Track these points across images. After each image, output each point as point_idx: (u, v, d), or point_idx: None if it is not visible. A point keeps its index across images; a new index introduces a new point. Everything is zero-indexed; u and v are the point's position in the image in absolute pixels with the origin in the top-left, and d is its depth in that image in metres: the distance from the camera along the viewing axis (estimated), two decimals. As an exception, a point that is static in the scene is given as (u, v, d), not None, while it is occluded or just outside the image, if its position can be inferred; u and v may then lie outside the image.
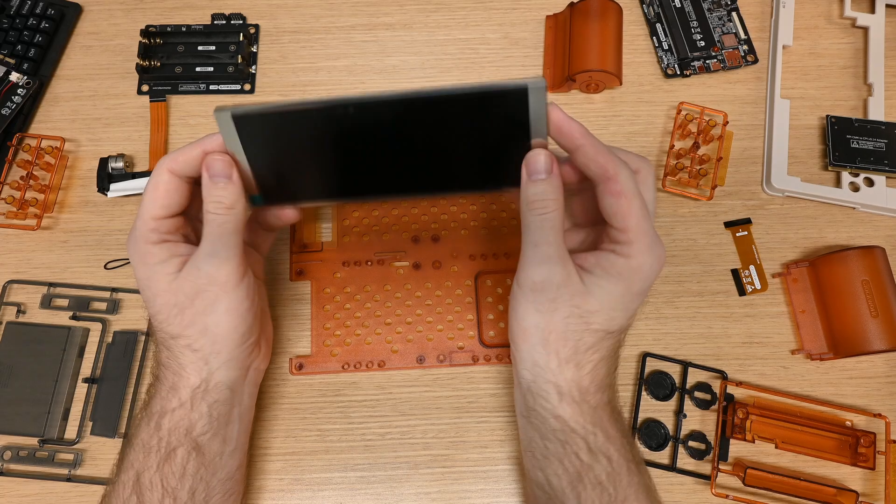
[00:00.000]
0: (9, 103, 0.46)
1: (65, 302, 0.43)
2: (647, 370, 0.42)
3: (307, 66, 0.49)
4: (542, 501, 0.34)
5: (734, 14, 0.49)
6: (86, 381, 0.41)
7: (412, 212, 0.45)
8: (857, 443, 0.39)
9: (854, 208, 0.45)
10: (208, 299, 0.32)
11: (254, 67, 0.49)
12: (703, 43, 0.48)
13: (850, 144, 0.46)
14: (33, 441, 0.40)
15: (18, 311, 0.43)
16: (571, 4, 0.48)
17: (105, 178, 0.45)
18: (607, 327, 0.32)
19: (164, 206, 0.32)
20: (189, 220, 0.34)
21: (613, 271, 0.31)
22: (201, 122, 0.48)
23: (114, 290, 0.43)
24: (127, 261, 0.44)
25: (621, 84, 0.48)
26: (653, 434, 0.40)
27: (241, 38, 0.48)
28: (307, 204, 0.37)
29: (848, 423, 0.41)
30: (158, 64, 0.48)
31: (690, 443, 0.40)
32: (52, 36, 0.49)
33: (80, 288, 0.43)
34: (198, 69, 0.48)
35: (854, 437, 0.40)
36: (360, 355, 0.42)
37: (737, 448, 0.40)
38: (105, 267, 0.44)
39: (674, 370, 0.42)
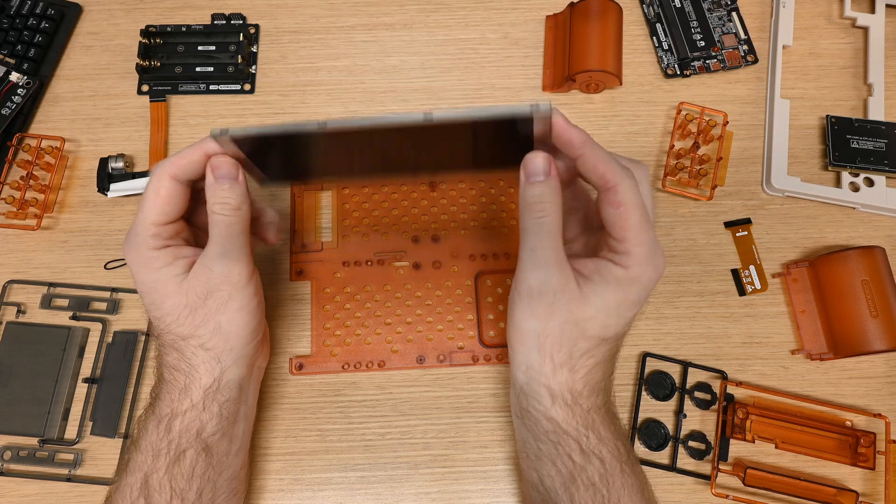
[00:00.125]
0: (9, 103, 0.46)
1: (65, 302, 0.43)
2: (647, 370, 0.42)
3: (307, 66, 0.49)
4: (537, 502, 0.34)
5: (734, 14, 0.49)
6: (86, 381, 0.41)
7: (412, 212, 0.45)
8: (857, 443, 0.39)
9: (854, 208, 0.45)
10: (221, 298, 0.32)
11: (254, 67, 0.49)
12: (703, 43, 0.48)
13: (850, 144, 0.46)
14: (33, 441, 0.40)
15: (18, 311, 0.43)
16: (571, 4, 0.48)
17: (105, 178, 0.45)
18: (602, 334, 0.31)
19: (166, 212, 0.32)
20: (187, 223, 0.34)
21: (611, 280, 0.31)
22: (201, 122, 0.48)
23: (114, 290, 0.43)
24: (127, 261, 0.44)
25: (621, 84, 0.48)
26: (653, 434, 0.40)
27: (241, 38, 0.48)
28: (311, 182, 0.37)
29: (848, 423, 0.41)
30: (158, 64, 0.48)
31: (690, 443, 0.40)
32: (52, 36, 0.49)
33: (80, 288, 0.43)
34: (198, 69, 0.48)
35: (854, 437, 0.40)
36: (360, 355, 0.42)
37: (737, 448, 0.40)
38: (105, 267, 0.44)
39: (674, 370, 0.42)
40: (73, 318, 0.42)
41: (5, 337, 0.42)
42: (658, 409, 0.41)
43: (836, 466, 0.40)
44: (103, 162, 0.45)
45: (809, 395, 0.41)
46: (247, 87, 0.48)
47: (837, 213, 0.45)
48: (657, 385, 0.41)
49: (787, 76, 0.48)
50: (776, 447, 0.40)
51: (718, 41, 0.49)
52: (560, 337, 0.31)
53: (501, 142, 0.31)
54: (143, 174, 0.45)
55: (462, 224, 0.45)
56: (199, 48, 0.49)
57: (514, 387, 0.34)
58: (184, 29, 0.49)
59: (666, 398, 0.41)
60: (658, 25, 0.50)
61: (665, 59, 0.49)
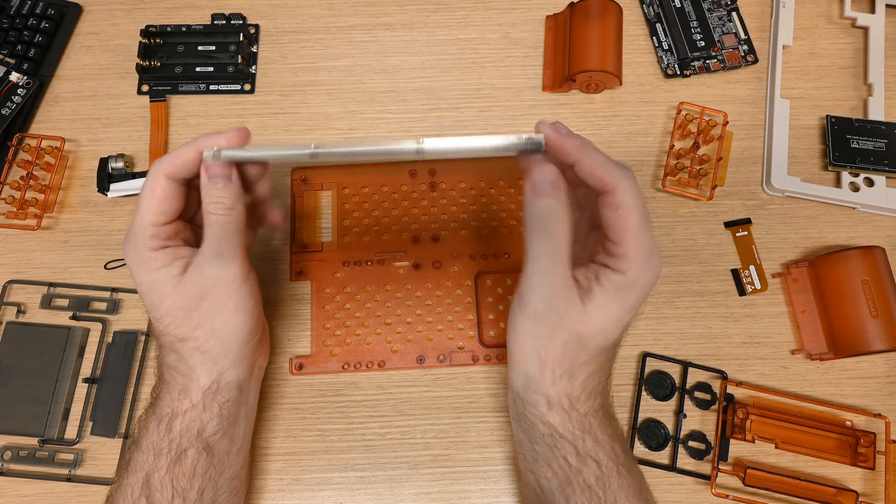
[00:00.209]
0: (9, 103, 0.46)
1: (65, 302, 0.43)
2: (647, 370, 0.42)
3: (307, 66, 0.49)
4: (535, 503, 0.34)
5: (734, 14, 0.49)
6: (86, 381, 0.41)
7: (412, 212, 0.45)
8: (857, 443, 0.39)
9: (854, 208, 0.45)
10: (215, 300, 0.32)
11: (254, 67, 0.49)
12: (703, 43, 0.48)
13: (850, 144, 0.46)
14: (33, 441, 0.40)
15: (18, 311, 0.43)
16: (571, 4, 0.48)
17: (105, 178, 0.45)
18: (603, 344, 0.31)
19: (163, 212, 0.32)
20: (186, 223, 0.34)
21: (611, 288, 0.30)
22: (201, 122, 0.48)
23: (114, 290, 0.43)
24: (127, 261, 0.44)
25: (621, 84, 0.48)
26: (653, 434, 0.40)
27: (241, 38, 0.48)
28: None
29: (848, 423, 0.41)
30: (158, 64, 0.48)
31: (690, 443, 0.40)
32: (52, 36, 0.49)
33: (80, 288, 0.43)
34: (198, 69, 0.48)
35: (854, 437, 0.40)
36: (360, 355, 0.42)
37: (737, 448, 0.40)
38: (105, 267, 0.44)
39: (674, 370, 0.42)
40: (73, 318, 0.42)
41: (5, 337, 0.42)
42: (658, 409, 0.41)
43: (836, 466, 0.40)
44: (103, 162, 0.45)
45: (809, 395, 0.41)
46: (247, 87, 0.48)
47: (837, 213, 0.45)
48: (657, 385, 0.41)
49: (787, 76, 0.48)
50: (776, 447, 0.40)
51: (718, 41, 0.49)
52: (563, 354, 0.31)
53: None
54: (143, 174, 0.45)
55: (462, 224, 0.45)
56: (199, 48, 0.49)
57: (511, 389, 0.34)
58: (184, 29, 0.49)
59: (666, 398, 0.41)
60: (658, 25, 0.50)
61: (665, 59, 0.49)
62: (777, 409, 0.40)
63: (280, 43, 0.50)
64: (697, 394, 0.41)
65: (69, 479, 0.40)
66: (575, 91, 0.48)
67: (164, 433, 0.32)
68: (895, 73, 0.49)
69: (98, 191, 0.45)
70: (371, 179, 0.45)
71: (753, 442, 0.39)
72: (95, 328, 0.43)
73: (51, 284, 0.43)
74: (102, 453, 0.40)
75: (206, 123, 0.48)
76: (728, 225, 0.45)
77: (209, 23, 0.50)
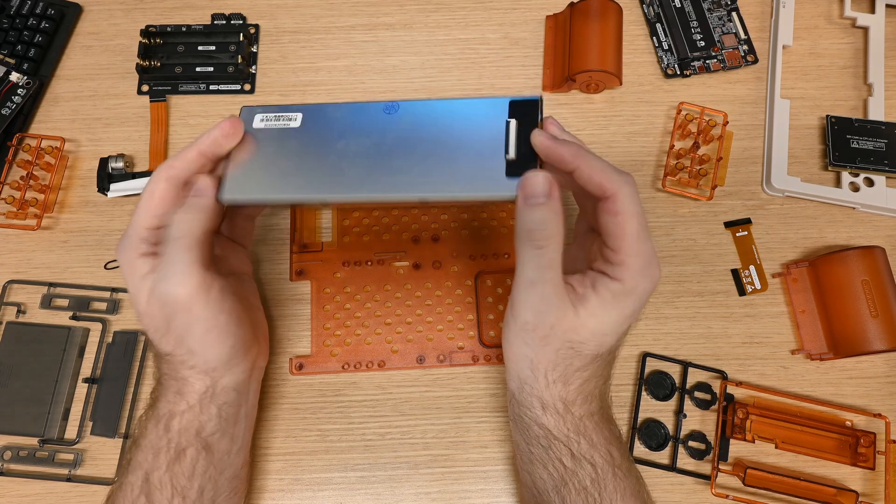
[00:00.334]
0: (9, 103, 0.46)
1: (65, 302, 0.43)
2: (647, 370, 0.42)
3: (307, 66, 0.49)
4: (532, 503, 0.34)
5: (734, 14, 0.49)
6: (86, 381, 0.41)
7: (412, 212, 0.45)
8: (857, 443, 0.39)
9: (854, 208, 0.45)
10: (181, 325, 0.30)
11: (254, 67, 0.49)
12: (703, 43, 0.48)
13: (850, 144, 0.46)
14: (33, 441, 0.40)
15: (18, 311, 0.43)
16: (571, 4, 0.48)
17: (105, 178, 0.45)
18: (597, 351, 0.31)
19: (157, 215, 0.31)
20: None
21: (607, 296, 0.30)
22: (201, 123, 0.48)
23: (114, 290, 0.43)
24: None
25: (621, 84, 0.48)
26: (653, 434, 0.40)
27: (241, 38, 0.48)
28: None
29: (848, 423, 0.41)
30: (158, 64, 0.48)
31: (690, 443, 0.40)
32: (52, 36, 0.49)
33: (80, 288, 0.43)
34: (198, 69, 0.48)
35: (854, 437, 0.40)
36: (360, 355, 0.42)
37: (737, 448, 0.40)
38: (105, 267, 0.44)
39: (674, 370, 0.42)
40: (73, 318, 0.42)
41: (5, 337, 0.42)
42: (658, 409, 0.41)
43: (836, 466, 0.40)
44: (103, 162, 0.45)
45: (809, 395, 0.41)
46: (247, 87, 0.48)
47: (837, 213, 0.45)
48: (657, 385, 0.41)
49: (787, 76, 0.48)
50: (776, 447, 0.40)
51: (718, 41, 0.49)
52: (555, 360, 0.31)
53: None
54: (143, 174, 0.45)
55: (463, 224, 0.45)
56: (199, 48, 0.49)
57: (508, 392, 0.34)
58: (184, 29, 0.49)
59: (666, 398, 0.41)
60: (658, 25, 0.50)
61: (665, 59, 0.49)
62: (777, 409, 0.40)
63: (280, 43, 0.50)
64: (697, 394, 0.41)
65: (69, 479, 0.40)
66: (575, 91, 0.48)
67: (163, 432, 0.32)
68: (895, 73, 0.49)
69: (98, 191, 0.45)
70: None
71: (753, 442, 0.39)
72: (95, 328, 0.43)
73: (51, 284, 0.43)
74: (102, 453, 0.40)
75: (206, 123, 0.48)
76: (728, 225, 0.45)
77: (209, 23, 0.50)
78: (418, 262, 0.44)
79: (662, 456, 0.40)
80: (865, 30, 0.50)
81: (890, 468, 0.39)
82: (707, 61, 0.48)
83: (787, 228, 0.45)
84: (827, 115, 0.46)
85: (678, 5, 0.50)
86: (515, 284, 0.31)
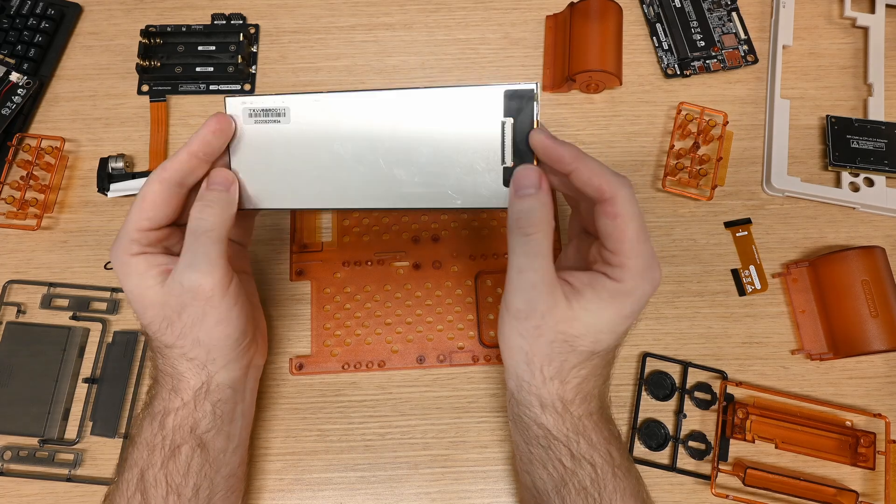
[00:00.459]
0: (9, 103, 0.46)
1: (65, 302, 0.43)
2: (647, 370, 0.42)
3: (307, 66, 0.49)
4: (531, 503, 0.34)
5: (734, 14, 0.49)
6: (86, 381, 0.41)
7: (412, 212, 0.45)
8: (857, 443, 0.39)
9: (854, 208, 0.45)
10: (195, 313, 0.31)
11: (254, 67, 0.49)
12: (703, 43, 0.48)
13: (850, 144, 0.46)
14: (33, 441, 0.40)
15: (18, 311, 0.43)
16: (571, 4, 0.48)
17: (105, 178, 0.45)
18: (593, 349, 0.31)
19: (148, 217, 0.31)
20: (182, 232, 0.34)
21: (604, 294, 0.30)
22: (201, 123, 0.47)
23: (114, 290, 0.43)
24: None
25: (621, 84, 0.48)
26: (653, 434, 0.40)
27: (241, 38, 0.48)
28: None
29: (848, 423, 0.41)
30: (158, 64, 0.48)
31: (690, 443, 0.40)
32: (52, 36, 0.49)
33: (80, 288, 0.43)
34: (198, 69, 0.48)
35: (854, 437, 0.40)
36: (360, 355, 0.42)
37: (737, 448, 0.40)
38: (105, 267, 0.44)
39: (674, 370, 0.42)
40: (73, 318, 0.42)
41: (5, 337, 0.42)
42: (658, 409, 0.41)
43: (836, 466, 0.40)
44: (103, 162, 0.45)
45: (809, 395, 0.41)
46: (247, 87, 0.48)
47: (837, 213, 0.45)
48: (657, 385, 0.41)
49: (787, 76, 0.48)
50: (776, 447, 0.40)
51: (718, 41, 0.49)
52: (549, 354, 0.31)
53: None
54: (143, 174, 0.45)
55: (463, 224, 0.45)
56: (199, 48, 0.49)
57: (507, 392, 0.34)
58: (184, 29, 0.49)
59: (666, 398, 0.41)
60: (658, 25, 0.50)
61: (665, 59, 0.49)
62: (777, 409, 0.40)
63: (280, 43, 0.50)
64: (697, 394, 0.41)
65: (69, 479, 0.40)
66: (575, 91, 0.48)
67: (158, 429, 0.32)
68: (895, 73, 0.49)
69: (98, 191, 0.45)
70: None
71: (753, 442, 0.39)
72: (95, 328, 0.43)
73: (51, 284, 0.43)
74: (102, 453, 0.40)
75: (206, 123, 0.48)
76: (728, 225, 0.45)
77: (209, 23, 0.50)
78: (418, 262, 0.44)
79: (662, 456, 0.40)
80: (865, 30, 0.50)
81: (890, 468, 0.39)
82: (707, 61, 0.48)
83: (787, 228, 0.45)
84: (827, 115, 0.46)
85: (678, 5, 0.50)
86: (507, 275, 0.31)
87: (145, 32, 0.48)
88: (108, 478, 0.40)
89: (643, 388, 0.41)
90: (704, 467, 0.40)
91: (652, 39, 0.50)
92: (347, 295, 0.43)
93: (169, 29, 0.49)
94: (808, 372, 0.42)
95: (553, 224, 0.30)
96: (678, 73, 0.48)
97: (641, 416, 0.41)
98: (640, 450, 0.40)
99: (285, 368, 0.42)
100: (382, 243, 0.44)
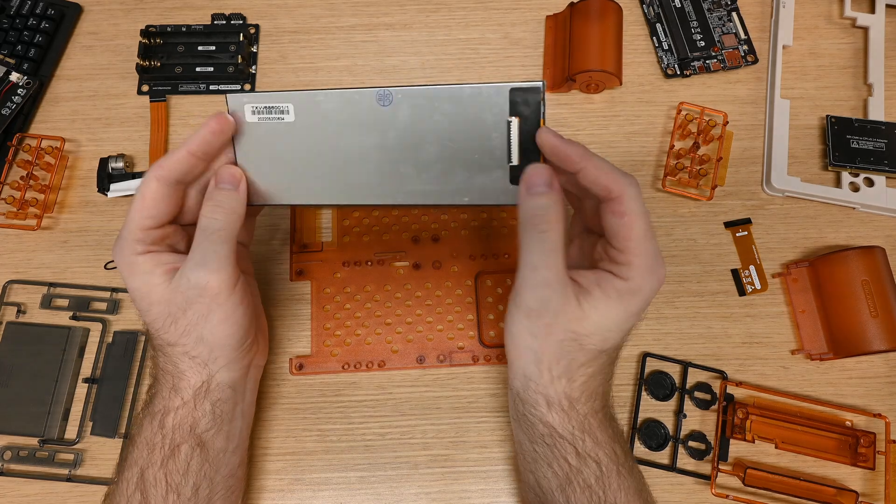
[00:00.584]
0: (9, 103, 0.46)
1: (65, 302, 0.43)
2: (647, 370, 0.42)
3: (307, 66, 0.49)
4: (535, 503, 0.34)
5: (734, 14, 0.49)
6: (86, 381, 0.41)
7: (412, 212, 0.45)
8: (857, 443, 0.39)
9: (854, 208, 0.45)
10: (201, 310, 0.31)
11: (254, 67, 0.49)
12: (703, 43, 0.48)
13: (850, 144, 0.46)
14: (33, 441, 0.40)
15: (18, 311, 0.43)
16: (571, 4, 0.48)
17: (105, 178, 0.45)
18: (601, 347, 0.31)
19: (151, 216, 0.31)
20: (182, 229, 0.34)
21: (612, 293, 0.30)
22: (201, 123, 0.47)
23: (114, 290, 0.43)
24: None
25: (621, 84, 0.48)
26: (653, 434, 0.40)
27: (241, 39, 0.48)
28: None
29: (848, 423, 0.41)
30: (158, 64, 0.48)
31: (690, 443, 0.40)
32: (52, 36, 0.49)
33: (80, 288, 0.43)
34: (198, 69, 0.48)
35: (854, 437, 0.40)
36: (360, 355, 0.42)
37: (737, 448, 0.40)
38: (105, 267, 0.44)
39: (674, 370, 0.42)
40: (73, 318, 0.42)
41: (5, 337, 0.42)
42: (658, 409, 0.41)
43: (836, 466, 0.40)
44: (103, 162, 0.45)
45: (809, 395, 0.41)
46: (247, 87, 0.48)
47: (837, 213, 0.45)
48: (657, 385, 0.41)
49: (787, 76, 0.48)
50: (776, 447, 0.40)
51: (718, 41, 0.49)
52: (558, 353, 0.31)
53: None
54: (143, 174, 0.45)
55: (462, 224, 0.45)
56: (199, 48, 0.49)
57: (510, 390, 0.34)
58: (184, 29, 0.49)
59: (666, 398, 0.41)
60: (658, 25, 0.50)
61: (665, 59, 0.49)
62: (777, 409, 0.40)
63: (280, 43, 0.50)
64: (697, 394, 0.41)
65: (69, 479, 0.40)
66: (575, 91, 0.48)
67: (157, 428, 0.32)
68: (895, 73, 0.49)
69: (98, 191, 0.45)
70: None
71: (753, 442, 0.39)
72: (95, 328, 0.43)
73: (51, 284, 0.43)
74: (102, 453, 0.40)
75: (206, 123, 0.48)
76: (728, 225, 0.45)
77: (209, 23, 0.50)
78: (418, 262, 0.44)
79: (662, 456, 0.40)
80: (865, 30, 0.50)
81: (890, 468, 0.39)
82: (707, 61, 0.48)
83: (787, 228, 0.45)
84: (827, 115, 0.46)
85: (678, 5, 0.50)
86: (519, 273, 0.31)
87: (145, 32, 0.48)
88: (108, 478, 0.40)
89: (643, 388, 0.41)
90: (704, 467, 0.40)
91: (652, 39, 0.50)
92: (347, 295, 0.43)
93: (169, 29, 0.49)
94: (808, 372, 0.42)
95: (565, 223, 0.30)
96: (678, 73, 0.48)
97: (641, 416, 0.41)
98: (640, 450, 0.40)
99: (285, 368, 0.42)
100: (382, 243, 0.44)
